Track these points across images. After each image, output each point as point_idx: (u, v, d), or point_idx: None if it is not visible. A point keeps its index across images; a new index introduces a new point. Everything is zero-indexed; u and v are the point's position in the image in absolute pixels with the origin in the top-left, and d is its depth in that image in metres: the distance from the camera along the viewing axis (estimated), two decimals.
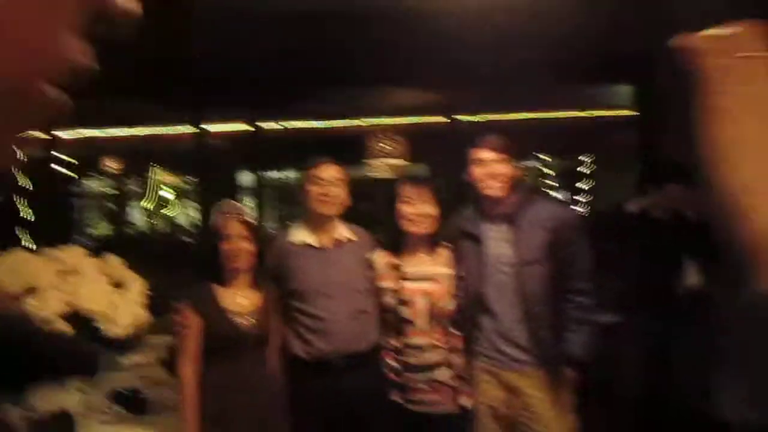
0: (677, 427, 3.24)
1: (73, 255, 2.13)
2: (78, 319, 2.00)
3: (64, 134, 7.45)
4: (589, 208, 8.98)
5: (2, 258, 2.02)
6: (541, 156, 12.61)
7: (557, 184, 13.11)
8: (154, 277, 2.85)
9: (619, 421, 3.30)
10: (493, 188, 2.49)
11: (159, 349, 3.33)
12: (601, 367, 3.77)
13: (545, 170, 12.96)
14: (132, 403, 2.64)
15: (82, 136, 7.65)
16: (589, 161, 11.69)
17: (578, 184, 11.37)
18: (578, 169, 11.88)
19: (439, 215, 2.58)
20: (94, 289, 2.06)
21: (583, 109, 8.71)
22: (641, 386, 3.38)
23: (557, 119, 8.98)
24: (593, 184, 11.13)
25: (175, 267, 3.38)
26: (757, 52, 0.45)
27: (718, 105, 0.46)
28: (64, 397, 2.04)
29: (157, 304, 2.69)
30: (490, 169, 2.48)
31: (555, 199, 2.82)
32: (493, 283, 2.52)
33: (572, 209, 2.69)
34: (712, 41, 0.48)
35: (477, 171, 2.52)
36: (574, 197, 11.92)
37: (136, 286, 2.25)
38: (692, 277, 3.62)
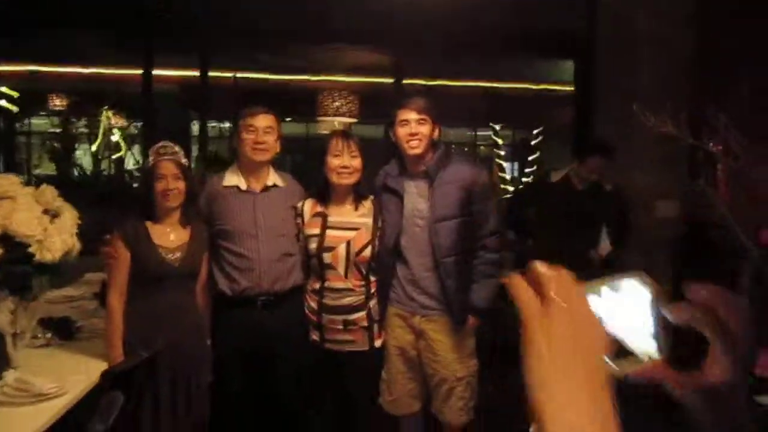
0: None
1: (7, 182, 2.23)
2: (11, 242, 2.12)
3: (9, 67, 7.31)
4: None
5: None
6: (493, 125, 12.86)
7: (505, 154, 13.41)
8: (95, 217, 2.95)
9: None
10: (414, 147, 2.67)
11: (93, 285, 3.47)
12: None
13: (497, 140, 13.23)
14: (61, 329, 2.78)
15: (29, 70, 7.52)
16: (535, 133, 12.00)
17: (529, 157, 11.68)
18: (528, 141, 12.19)
19: (363, 169, 2.75)
20: (28, 215, 2.16)
21: (534, 83, 8.97)
22: None
23: (507, 90, 9.22)
24: (538, 155, 11.47)
25: (118, 208, 3.48)
26: (558, 296, 0.51)
27: (526, 337, 0.51)
28: None
29: (95, 243, 2.81)
30: (412, 128, 2.66)
31: (469, 160, 2.99)
32: (408, 234, 2.72)
33: (485, 170, 2.88)
34: (529, 279, 0.53)
35: (400, 131, 2.69)
36: (524, 168, 12.27)
37: (69, 216, 2.36)
38: (605, 243, 3.90)
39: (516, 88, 9.03)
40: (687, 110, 2.37)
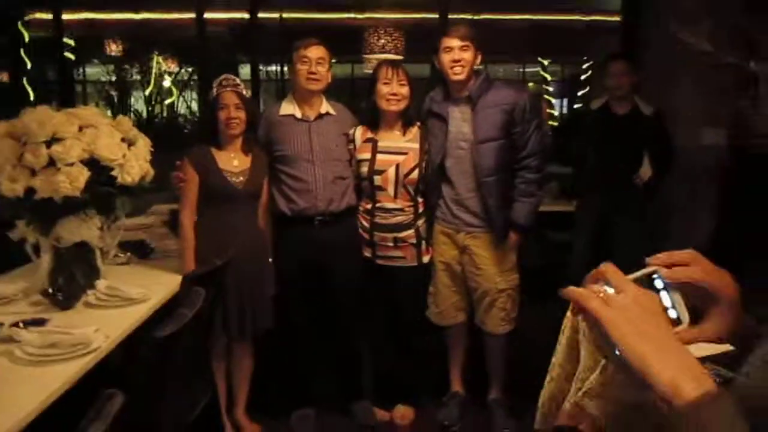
0: None
1: (90, 113, 2.48)
2: (96, 165, 2.37)
3: (66, 16, 7.58)
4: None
5: (30, 112, 2.38)
6: (541, 61, 12.64)
7: (554, 90, 13.20)
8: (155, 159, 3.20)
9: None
10: (458, 73, 2.81)
11: (161, 214, 3.77)
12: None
13: (546, 76, 13.03)
14: (138, 249, 3.09)
15: (84, 18, 7.76)
16: (585, 68, 11.74)
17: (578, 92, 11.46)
18: (578, 75, 11.95)
19: (411, 97, 2.91)
20: (109, 141, 2.41)
21: (581, 14, 8.77)
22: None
23: (555, 22, 9.05)
24: (588, 90, 11.26)
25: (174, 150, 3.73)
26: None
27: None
28: (86, 230, 2.45)
29: (160, 179, 3.08)
30: (456, 55, 2.79)
31: (511, 83, 3.09)
32: (453, 156, 2.89)
33: (525, 93, 2.99)
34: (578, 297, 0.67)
35: (444, 57, 2.83)
36: (573, 104, 12.08)
37: (143, 144, 2.60)
38: (645, 168, 3.97)
39: (564, 20, 8.88)
40: (729, 29, 2.41)
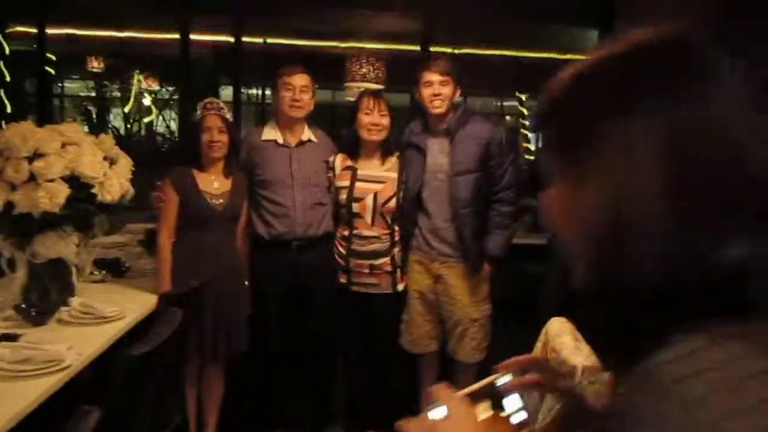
0: None
1: (74, 130, 2.49)
2: (76, 182, 2.39)
3: (49, 30, 7.55)
4: None
5: (13, 126, 2.39)
6: (519, 95, 12.87)
7: (530, 124, 13.40)
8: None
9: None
10: (437, 107, 2.88)
11: (137, 233, 3.77)
12: None
13: (523, 110, 13.25)
14: (114, 268, 3.09)
15: (66, 33, 7.74)
16: None
17: None
18: None
19: (391, 127, 2.98)
20: (91, 159, 2.43)
21: (560, 52, 8.99)
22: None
23: (533, 59, 9.26)
24: None
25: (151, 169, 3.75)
26: None
27: None
28: (63, 247, 2.46)
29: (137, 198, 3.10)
30: (435, 89, 2.87)
31: (489, 117, 3.18)
32: (430, 187, 2.96)
33: (504, 127, 3.09)
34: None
35: (424, 91, 2.90)
36: None
37: (125, 162, 2.63)
38: None
39: (542, 57, 9.09)
40: None
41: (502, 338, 3.19)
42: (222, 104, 2.85)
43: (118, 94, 10.34)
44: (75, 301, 2.48)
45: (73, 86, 10.91)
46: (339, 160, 3.05)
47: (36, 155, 2.35)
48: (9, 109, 6.50)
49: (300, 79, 2.95)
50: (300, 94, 2.93)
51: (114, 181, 2.55)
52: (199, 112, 2.82)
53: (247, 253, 3.00)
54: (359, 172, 2.99)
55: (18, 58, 6.76)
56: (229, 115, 2.87)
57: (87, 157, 2.42)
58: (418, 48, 6.03)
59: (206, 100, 2.84)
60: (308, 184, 2.97)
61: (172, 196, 2.78)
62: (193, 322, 2.59)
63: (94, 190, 2.46)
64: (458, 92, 2.94)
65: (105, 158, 2.60)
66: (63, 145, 2.43)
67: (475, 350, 3.02)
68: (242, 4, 5.94)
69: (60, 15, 6.93)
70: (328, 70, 7.68)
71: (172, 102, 9.95)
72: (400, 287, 3.04)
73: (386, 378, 3.14)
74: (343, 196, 2.97)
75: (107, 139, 2.63)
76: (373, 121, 2.93)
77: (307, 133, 3.03)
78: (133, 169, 2.71)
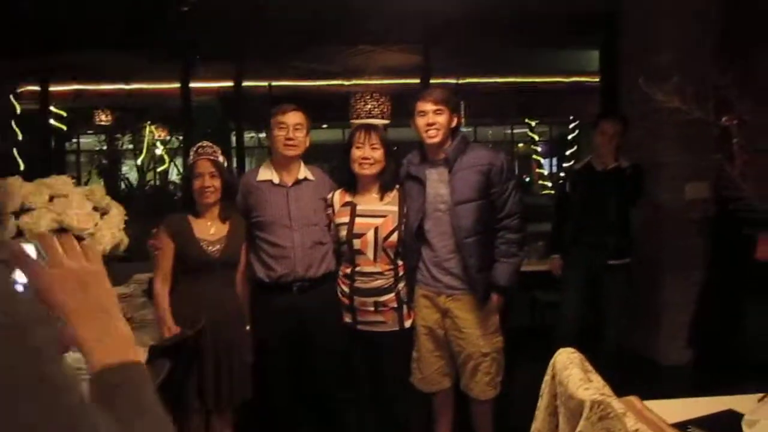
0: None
1: (61, 182, 2.46)
2: (66, 233, 2.34)
3: (57, 87, 7.68)
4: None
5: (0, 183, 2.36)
6: (528, 122, 12.83)
7: (543, 149, 13.33)
8: (142, 227, 3.15)
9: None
10: (432, 136, 2.81)
11: (141, 283, 3.71)
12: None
13: (533, 136, 13.20)
14: None
15: (73, 89, 7.87)
16: (572, 127, 11.89)
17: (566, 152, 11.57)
18: (565, 135, 12.09)
19: (385, 160, 2.90)
20: (80, 211, 2.39)
21: (563, 75, 8.97)
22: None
23: (539, 84, 9.25)
24: (576, 149, 11.37)
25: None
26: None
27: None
28: None
29: (143, 249, 3.04)
30: (430, 119, 2.81)
31: (487, 146, 3.09)
32: (431, 219, 2.86)
33: (504, 154, 3.01)
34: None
35: (419, 121, 2.84)
36: (562, 163, 12.19)
37: (117, 212, 2.58)
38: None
39: (546, 81, 9.07)
40: (697, 85, 2.41)
41: (520, 369, 3.06)
42: (215, 148, 2.80)
43: (131, 146, 10.47)
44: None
45: (87, 141, 11.07)
46: (337, 197, 2.98)
47: (23, 210, 2.31)
48: (22, 167, 6.58)
49: (293, 117, 2.90)
50: (294, 133, 2.88)
51: (105, 231, 2.51)
52: (191, 158, 2.78)
53: (247, 298, 2.92)
54: (358, 207, 2.91)
55: (30, 117, 6.88)
56: (222, 158, 2.81)
57: (75, 208, 2.38)
58: (419, 81, 6.00)
59: (198, 145, 2.80)
60: (307, 224, 2.90)
61: (167, 244, 2.72)
62: (192, 371, 2.50)
63: (84, 242, 2.41)
64: (455, 121, 2.87)
65: (96, 209, 2.56)
66: (51, 198, 2.39)
67: (488, 386, 2.89)
68: (243, 50, 5.96)
69: (65, 71, 7.05)
70: (337, 109, 7.72)
71: (181, 150, 10.04)
72: (408, 324, 2.93)
73: (400, 420, 3.00)
74: (344, 232, 2.89)
75: (97, 190, 2.59)
76: (364, 155, 2.86)
77: (303, 172, 2.97)
78: (142, 217, 2.65)
